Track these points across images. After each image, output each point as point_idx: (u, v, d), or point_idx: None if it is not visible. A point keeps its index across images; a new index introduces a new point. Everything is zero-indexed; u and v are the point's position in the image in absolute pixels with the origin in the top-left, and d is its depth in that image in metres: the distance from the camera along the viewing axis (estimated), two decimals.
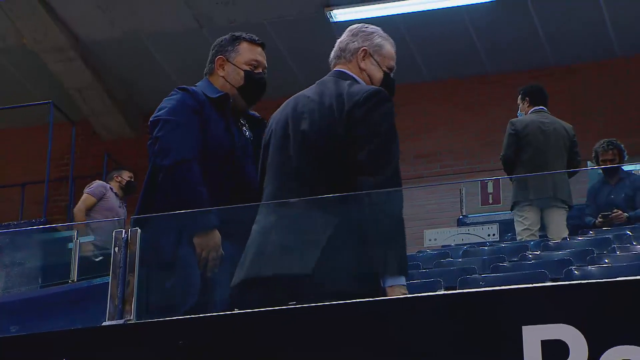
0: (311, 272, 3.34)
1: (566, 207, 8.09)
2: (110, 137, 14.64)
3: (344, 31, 3.91)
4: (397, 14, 12.17)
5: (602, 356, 2.44)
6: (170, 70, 13.78)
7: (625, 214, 8.26)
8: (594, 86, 12.95)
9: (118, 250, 2.99)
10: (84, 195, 9.93)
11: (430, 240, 8.24)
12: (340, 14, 12.21)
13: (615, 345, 2.44)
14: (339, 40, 3.87)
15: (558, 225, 8.10)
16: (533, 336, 2.51)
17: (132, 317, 2.93)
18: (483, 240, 8.48)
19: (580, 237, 7.99)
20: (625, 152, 8.58)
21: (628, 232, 7.55)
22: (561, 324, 2.51)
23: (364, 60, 3.76)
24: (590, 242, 7.27)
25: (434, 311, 2.67)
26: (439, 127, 12.99)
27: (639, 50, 12.86)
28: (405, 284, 3.38)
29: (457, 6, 12.20)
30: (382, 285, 3.35)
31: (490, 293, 2.73)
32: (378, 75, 3.77)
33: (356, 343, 2.68)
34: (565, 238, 7.91)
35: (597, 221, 8.38)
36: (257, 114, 4.34)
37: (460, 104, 12.99)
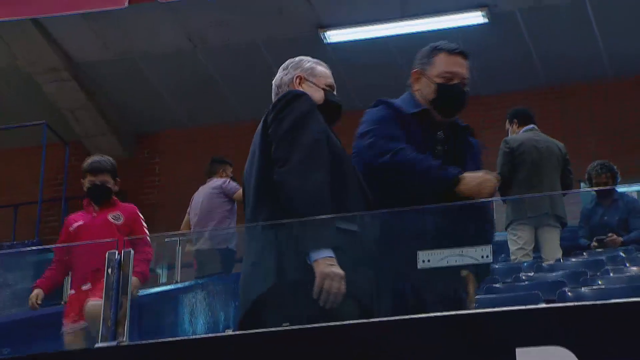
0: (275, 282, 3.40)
1: (560, 226, 8.10)
2: None
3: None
4: (390, 36, 12.20)
5: None
6: (164, 91, 13.80)
7: (620, 238, 8.26)
8: (587, 107, 13.00)
9: (111, 271, 2.98)
10: None
11: (423, 261, 8.22)
12: (334, 35, 12.25)
13: None
14: (273, 81, 3.97)
15: (552, 244, 8.10)
16: (526, 358, 2.51)
17: (124, 339, 2.92)
18: (476, 262, 8.43)
19: (574, 258, 7.98)
20: (619, 174, 8.59)
21: (621, 254, 7.55)
22: (554, 346, 2.50)
23: (300, 85, 3.85)
24: (584, 264, 7.27)
25: (428, 332, 2.67)
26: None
27: (631, 72, 12.91)
28: (330, 255, 3.33)
29: (450, 28, 12.24)
30: (308, 262, 3.34)
31: (483, 315, 2.73)
32: (317, 95, 3.84)
33: None
34: (559, 259, 7.91)
35: (592, 244, 8.38)
36: (462, 121, 4.11)
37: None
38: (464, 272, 3.76)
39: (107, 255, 2.96)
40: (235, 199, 9.41)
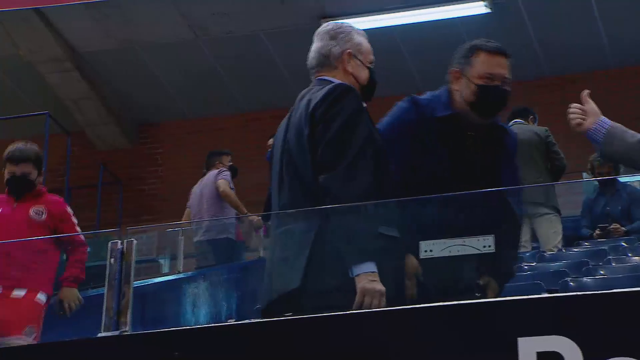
0: (300, 283, 3.36)
1: (556, 212, 8.13)
2: (106, 148, 14.65)
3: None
4: (393, 26, 12.19)
5: None
6: (166, 81, 13.80)
7: (624, 228, 8.27)
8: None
9: (114, 261, 2.98)
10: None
11: (426, 251, 8.24)
12: None
13: (611, 357, 2.44)
14: (318, 46, 3.77)
15: (548, 232, 8.14)
16: (529, 347, 2.51)
17: (127, 329, 2.93)
18: (479, 252, 8.44)
19: (576, 248, 8.00)
20: (622, 166, 8.59)
21: (623, 244, 7.56)
22: (557, 336, 2.50)
23: (349, 63, 3.72)
24: (586, 254, 7.27)
25: (430, 322, 2.67)
26: None
27: (632, 61, 12.89)
28: (374, 270, 3.28)
29: (453, 18, 12.23)
30: (350, 276, 3.29)
31: (486, 304, 2.74)
32: (364, 74, 3.75)
33: (348, 355, 2.68)
34: (561, 249, 7.92)
35: (594, 233, 8.39)
36: (499, 121, 4.00)
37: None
38: (483, 280, 3.72)
39: (109, 245, 2.96)
40: (216, 187, 9.45)
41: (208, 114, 14.38)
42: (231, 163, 9.97)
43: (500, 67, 3.84)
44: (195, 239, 9.42)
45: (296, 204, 3.52)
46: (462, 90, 3.84)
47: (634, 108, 12.72)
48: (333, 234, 3.37)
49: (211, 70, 13.49)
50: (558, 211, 8.20)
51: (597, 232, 8.34)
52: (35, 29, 12.67)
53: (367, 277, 3.27)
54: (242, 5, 12.33)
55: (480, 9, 12.19)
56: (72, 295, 5.66)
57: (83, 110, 13.95)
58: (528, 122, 8.70)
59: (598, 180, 8.65)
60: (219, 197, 9.45)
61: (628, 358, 2.43)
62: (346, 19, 12.22)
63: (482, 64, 3.83)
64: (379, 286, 3.27)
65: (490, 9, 12.13)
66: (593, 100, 4.01)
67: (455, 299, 3.10)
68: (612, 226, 8.26)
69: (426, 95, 3.98)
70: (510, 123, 8.57)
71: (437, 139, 3.81)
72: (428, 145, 3.80)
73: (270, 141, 9.21)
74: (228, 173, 9.63)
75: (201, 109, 14.30)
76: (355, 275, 3.28)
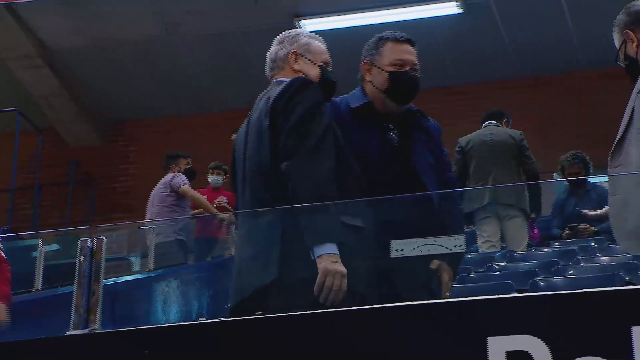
0: (276, 277, 3.37)
1: (524, 215, 8.22)
2: (78, 145, 14.57)
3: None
4: (366, 25, 12.21)
5: None
6: (139, 79, 13.75)
7: (593, 228, 8.33)
8: (560, 98, 13.06)
9: (83, 259, 2.96)
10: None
11: (397, 250, 8.28)
12: (310, 24, 12.24)
13: (579, 357, 2.45)
14: (268, 53, 3.92)
15: (517, 234, 8.22)
16: (498, 347, 2.52)
17: (97, 327, 2.91)
18: (449, 251, 8.48)
19: (546, 248, 8.05)
20: (591, 164, 8.66)
21: (593, 244, 7.61)
22: (526, 335, 2.51)
23: (296, 62, 3.82)
24: (556, 254, 7.32)
25: (400, 321, 2.68)
26: None
27: (604, 63, 12.97)
28: (335, 252, 3.32)
29: (426, 18, 12.27)
30: (312, 258, 3.33)
31: (456, 304, 2.74)
32: (313, 72, 3.82)
33: (317, 354, 2.68)
34: (531, 249, 7.97)
35: (564, 233, 8.45)
36: (414, 107, 4.08)
37: (428, 115, 13.05)
38: (434, 264, 3.78)
39: (79, 243, 2.95)
40: (180, 193, 9.52)
41: (181, 113, 14.34)
42: (189, 166, 10.01)
43: (409, 54, 4.00)
44: (154, 242, 9.45)
45: (260, 200, 3.57)
46: (374, 80, 3.98)
47: (605, 109, 12.80)
48: (298, 223, 3.40)
49: (184, 68, 13.45)
50: (528, 215, 8.29)
51: (567, 232, 8.40)
52: (6, 25, 12.58)
53: (329, 258, 3.32)
54: (216, 4, 12.31)
55: (453, 9, 12.24)
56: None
57: (54, 107, 13.87)
58: (502, 124, 8.77)
59: (568, 181, 8.71)
60: (167, 202, 9.51)
61: (596, 357, 2.44)
62: (319, 18, 12.25)
63: (391, 52, 3.98)
64: (341, 267, 3.32)
65: (463, 9, 12.19)
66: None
67: (417, 293, 3.12)
68: (581, 226, 8.32)
69: (341, 96, 4.08)
70: (484, 125, 8.66)
71: (356, 129, 3.90)
72: (346, 137, 3.85)
73: (234, 136, 9.25)
74: (183, 177, 9.66)
75: (174, 107, 14.26)
76: (317, 257, 3.33)
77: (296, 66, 3.81)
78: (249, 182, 3.65)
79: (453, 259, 3.87)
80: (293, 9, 12.30)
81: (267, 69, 3.91)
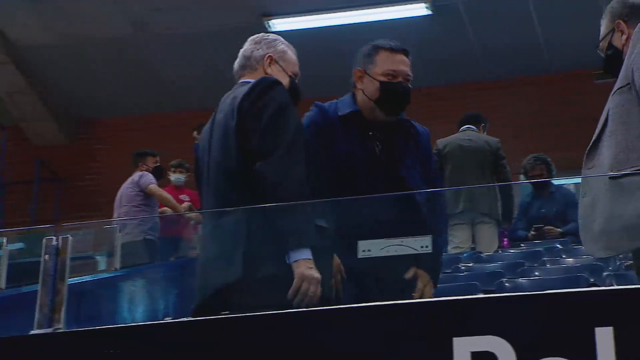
0: (241, 275, 3.37)
1: (495, 222, 8.27)
2: (43, 143, 14.47)
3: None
4: (335, 25, 12.23)
5: None
6: (106, 77, 13.68)
7: (559, 229, 8.39)
8: (529, 100, 13.14)
9: (48, 257, 2.94)
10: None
11: (364, 251, 8.30)
12: (279, 24, 12.24)
13: (543, 357, 2.47)
14: (242, 50, 3.88)
15: (488, 241, 8.27)
16: (463, 347, 2.53)
17: (61, 326, 2.89)
18: (416, 252, 8.50)
19: (512, 249, 8.09)
20: (554, 166, 8.73)
21: (558, 246, 7.67)
22: (491, 336, 2.53)
23: (269, 67, 3.80)
24: (522, 255, 7.36)
25: (365, 321, 2.68)
26: None
27: (571, 67, 13.08)
28: (311, 257, 3.33)
29: (395, 19, 12.30)
30: (287, 262, 3.33)
31: (422, 304, 2.75)
32: (284, 81, 3.80)
33: (282, 353, 2.68)
34: (498, 250, 8.01)
35: (529, 234, 8.50)
36: (404, 116, 4.07)
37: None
38: (409, 274, 3.77)
39: (43, 241, 2.93)
40: (147, 192, 9.48)
41: (148, 111, 14.28)
42: (158, 164, 9.96)
43: (403, 64, 3.99)
44: (123, 241, 9.41)
45: (225, 199, 3.55)
46: (365, 89, 3.96)
47: (572, 112, 12.90)
48: (268, 223, 3.40)
49: (152, 67, 13.40)
50: (500, 224, 8.36)
51: (532, 233, 8.45)
52: None
53: (306, 264, 3.33)
54: (184, 2, 12.28)
55: (421, 10, 12.29)
56: None
57: (18, 104, 13.77)
58: (479, 129, 8.78)
59: (532, 183, 8.77)
60: (136, 201, 9.47)
61: (560, 358, 2.46)
62: (288, 17, 12.24)
63: (384, 62, 3.97)
64: (317, 273, 3.33)
65: (432, 11, 12.23)
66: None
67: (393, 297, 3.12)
68: (546, 227, 8.38)
69: (331, 101, 4.06)
70: (462, 129, 8.67)
71: (341, 137, 3.89)
72: (332, 144, 3.88)
73: (195, 133, 9.23)
74: (150, 176, 9.63)
75: (141, 106, 14.21)
76: (294, 261, 3.33)
77: (269, 70, 3.79)
78: (214, 181, 3.64)
79: (432, 270, 3.86)
80: (261, 8, 12.28)
81: (236, 65, 3.87)
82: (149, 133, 13.92)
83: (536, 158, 8.70)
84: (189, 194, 10.42)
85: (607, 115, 3.48)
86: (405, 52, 4.02)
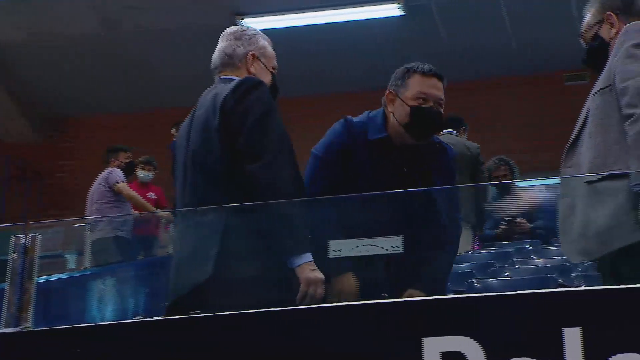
0: (212, 273, 3.35)
1: (470, 225, 8.29)
2: (14, 140, 14.37)
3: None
4: (307, 25, 12.23)
5: None
6: (77, 75, 13.61)
7: (529, 224, 8.43)
8: (500, 101, 13.21)
9: (17, 256, 2.92)
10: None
11: (335, 250, 8.30)
12: (252, 23, 12.21)
13: (512, 357, 2.48)
14: (222, 46, 3.81)
15: (462, 244, 8.29)
16: (433, 347, 2.54)
17: (29, 325, 2.87)
18: (387, 252, 8.51)
19: (482, 250, 8.13)
20: (517, 168, 8.80)
21: (528, 246, 7.71)
22: (461, 336, 2.53)
23: (253, 65, 3.76)
24: (492, 256, 7.40)
25: (336, 321, 2.68)
26: None
27: (542, 68, 13.16)
28: (311, 260, 3.35)
29: (367, 19, 12.31)
30: (290, 267, 3.36)
31: (392, 304, 2.75)
32: (267, 78, 3.78)
33: (253, 352, 2.68)
34: (468, 251, 8.05)
35: (500, 227, 8.51)
36: (437, 139, 4.01)
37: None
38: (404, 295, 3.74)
39: (12, 239, 2.91)
40: (115, 190, 9.42)
41: (121, 109, 14.22)
42: (130, 160, 9.91)
43: (435, 88, 3.90)
44: (93, 237, 9.36)
45: (203, 196, 3.53)
46: (396, 112, 3.87)
47: (544, 114, 12.99)
48: (243, 225, 3.38)
49: (124, 65, 13.34)
50: (474, 227, 8.37)
51: (504, 226, 8.45)
52: None
53: (309, 267, 3.35)
54: (155, 1, 12.22)
55: (394, 11, 12.30)
56: None
57: None
58: (460, 132, 8.78)
59: (496, 185, 8.81)
60: (106, 198, 9.42)
61: (529, 358, 2.47)
62: (260, 17, 12.23)
63: (416, 85, 3.88)
64: (320, 275, 3.37)
65: (404, 11, 12.25)
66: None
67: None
68: (518, 219, 8.40)
69: (362, 116, 3.99)
70: (443, 132, 8.64)
71: (368, 161, 3.83)
72: (358, 168, 3.83)
73: (173, 130, 9.19)
74: (119, 172, 9.57)
75: (114, 104, 14.14)
76: (297, 266, 3.35)
77: (252, 69, 3.75)
78: (191, 179, 3.61)
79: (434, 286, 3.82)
80: (233, 7, 12.26)
81: (216, 61, 3.82)
82: (121, 131, 13.87)
83: (500, 159, 8.77)
84: (156, 191, 10.38)
85: (587, 115, 3.48)
86: (438, 77, 3.94)
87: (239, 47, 3.79)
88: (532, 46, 12.76)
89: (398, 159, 3.87)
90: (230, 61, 3.77)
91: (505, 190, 8.73)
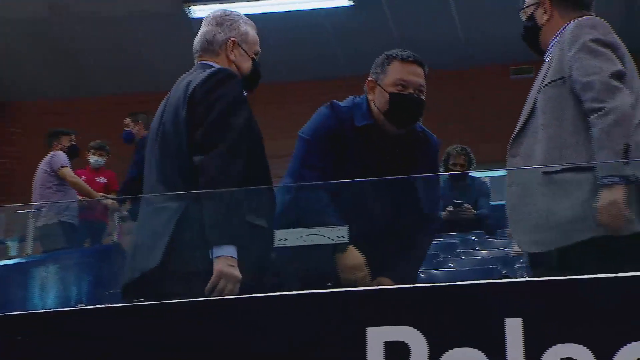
0: (159, 262, 3.32)
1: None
2: None
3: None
4: (257, 14, 12.17)
5: (442, 357, 2.50)
6: (24, 59, 13.45)
7: (474, 210, 8.50)
8: (449, 93, 13.28)
9: None
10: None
11: (280, 240, 8.30)
12: (199, 11, 12.14)
13: (454, 347, 2.50)
14: (203, 31, 3.74)
15: None
16: (377, 337, 2.55)
17: None
18: (332, 242, 8.52)
19: None
20: (474, 161, 8.86)
21: (473, 238, 7.77)
22: (404, 326, 2.55)
23: (233, 51, 3.70)
24: (437, 247, 7.44)
25: (280, 311, 2.68)
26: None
27: (489, 61, 13.26)
28: (234, 255, 3.27)
29: (317, 9, 12.31)
30: (210, 257, 3.29)
31: (336, 294, 2.76)
32: (246, 65, 3.73)
33: (196, 342, 2.67)
34: None
35: (446, 210, 8.54)
36: (419, 128, 3.94)
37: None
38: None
39: None
40: (59, 175, 9.30)
41: (67, 95, 14.07)
42: (73, 142, 9.78)
43: (414, 75, 3.84)
44: (39, 224, 9.24)
45: (169, 183, 3.50)
46: (376, 99, 3.84)
47: (490, 106, 13.09)
48: (198, 216, 3.35)
49: (71, 50, 13.19)
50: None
51: (449, 208, 8.48)
52: None
53: (226, 261, 3.26)
54: None
55: (343, 1, 12.31)
56: None
57: None
58: None
59: (450, 175, 8.86)
60: (50, 182, 9.31)
61: (471, 349, 2.50)
62: (208, 4, 12.14)
63: (395, 72, 3.83)
64: (236, 272, 3.27)
65: (353, 2, 12.27)
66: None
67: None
68: (465, 205, 8.45)
69: (347, 101, 3.96)
70: None
71: (356, 147, 3.81)
72: (345, 153, 3.80)
73: (127, 120, 9.11)
74: (62, 156, 9.43)
75: (61, 89, 13.98)
76: (215, 257, 3.27)
77: (232, 56, 3.69)
78: (158, 165, 3.56)
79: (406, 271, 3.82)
80: None
81: (197, 45, 3.75)
82: (67, 117, 13.70)
83: (462, 148, 8.84)
84: (106, 176, 10.28)
85: (533, 106, 3.51)
86: (418, 63, 3.87)
87: (220, 33, 3.72)
88: (479, 39, 12.86)
89: (384, 146, 3.86)
90: (210, 47, 3.71)
91: (459, 180, 8.79)
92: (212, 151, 3.35)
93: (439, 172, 4.16)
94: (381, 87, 3.83)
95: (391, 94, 3.79)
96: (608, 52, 3.39)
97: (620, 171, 3.22)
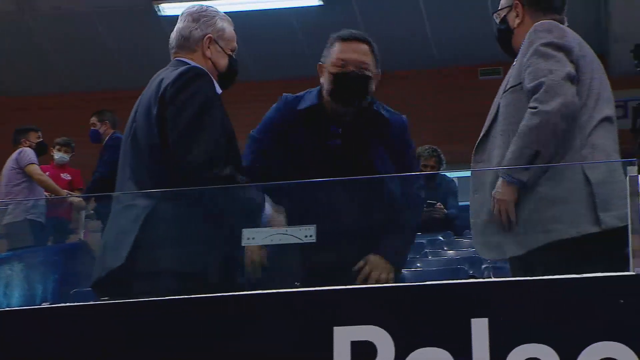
0: (124, 260, 3.30)
1: None
2: None
3: (173, 25, 3.78)
4: (226, 12, 12.13)
5: (408, 357, 2.51)
6: None
7: (445, 210, 8.55)
8: (417, 93, 13.32)
9: None
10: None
11: (248, 239, 8.26)
12: (168, 8, 12.08)
13: (421, 347, 2.51)
14: (179, 27, 3.70)
15: None
16: (343, 337, 2.56)
17: None
18: (300, 241, 8.51)
19: None
20: (444, 162, 8.93)
21: (440, 238, 7.80)
22: (370, 326, 2.56)
23: (209, 48, 3.67)
24: None
25: (247, 310, 2.68)
26: None
27: (458, 62, 13.31)
28: None
29: (286, 8, 12.30)
30: None
31: (303, 293, 2.76)
32: (223, 61, 3.70)
33: (157, 340, 2.66)
34: None
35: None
36: (378, 108, 3.92)
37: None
38: (360, 264, 3.68)
39: None
40: (27, 172, 9.23)
41: (33, 92, 13.96)
42: (40, 139, 9.71)
43: (356, 52, 3.82)
44: (5, 222, 9.16)
45: (139, 181, 3.47)
46: (325, 83, 3.83)
47: (458, 107, 13.14)
48: (167, 214, 3.34)
49: (38, 46, 13.10)
50: None
51: (424, 209, 8.53)
52: None
53: None
54: None
55: (312, 0, 12.31)
56: None
57: None
58: None
59: (423, 175, 8.91)
60: (16, 180, 9.24)
61: (437, 348, 2.51)
62: (177, 2, 12.09)
63: (336, 52, 3.83)
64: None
65: (323, 1, 12.27)
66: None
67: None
68: (437, 204, 8.49)
69: (303, 91, 3.96)
70: None
71: (301, 132, 3.80)
72: (291, 139, 3.80)
73: (93, 119, 9.06)
74: (30, 153, 9.36)
75: (26, 86, 13.87)
76: None
77: (208, 53, 3.65)
78: (130, 162, 3.53)
79: (394, 254, 3.78)
80: None
81: (173, 41, 3.71)
82: (34, 114, 13.58)
83: (433, 150, 8.90)
84: (71, 173, 10.21)
85: (497, 110, 3.53)
86: (359, 40, 3.85)
87: (196, 29, 3.68)
88: (448, 39, 12.90)
89: (332, 128, 3.83)
90: (185, 43, 3.67)
91: (429, 180, 8.83)
92: (186, 156, 3.34)
93: (412, 150, 4.15)
94: (326, 69, 3.83)
95: (332, 74, 3.78)
96: (560, 55, 3.41)
97: (518, 174, 3.30)
